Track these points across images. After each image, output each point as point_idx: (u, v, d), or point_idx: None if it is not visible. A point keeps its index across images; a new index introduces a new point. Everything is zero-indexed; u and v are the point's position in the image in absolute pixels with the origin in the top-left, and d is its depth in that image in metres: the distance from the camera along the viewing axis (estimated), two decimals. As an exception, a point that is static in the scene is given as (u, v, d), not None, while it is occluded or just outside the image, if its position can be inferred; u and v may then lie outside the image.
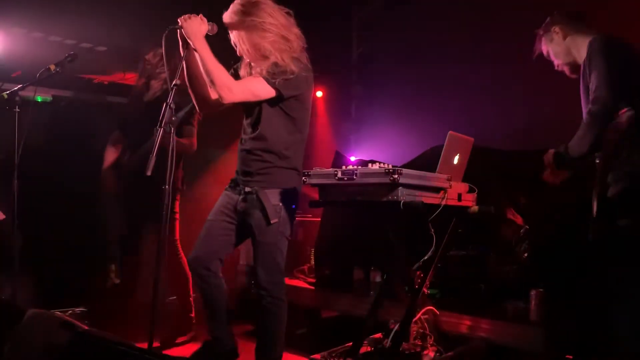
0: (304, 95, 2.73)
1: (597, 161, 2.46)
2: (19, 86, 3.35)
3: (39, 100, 4.64)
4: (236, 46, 2.72)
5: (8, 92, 3.32)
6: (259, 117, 2.69)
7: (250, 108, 2.74)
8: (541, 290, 3.11)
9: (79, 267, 4.73)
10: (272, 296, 2.71)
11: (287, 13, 2.69)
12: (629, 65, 2.46)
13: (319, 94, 6.04)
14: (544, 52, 2.82)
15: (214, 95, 2.72)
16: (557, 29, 2.71)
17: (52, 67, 3.33)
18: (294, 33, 2.70)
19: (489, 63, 4.66)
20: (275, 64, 2.62)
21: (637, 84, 2.44)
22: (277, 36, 2.63)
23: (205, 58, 2.53)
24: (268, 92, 2.61)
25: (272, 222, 2.64)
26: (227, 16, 2.67)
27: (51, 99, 4.76)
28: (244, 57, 2.73)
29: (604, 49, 2.44)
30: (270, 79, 2.60)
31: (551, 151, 2.64)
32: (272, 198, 2.66)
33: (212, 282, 2.77)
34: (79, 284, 4.76)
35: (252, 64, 2.73)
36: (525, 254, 3.58)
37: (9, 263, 3.38)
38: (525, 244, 3.61)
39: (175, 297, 3.90)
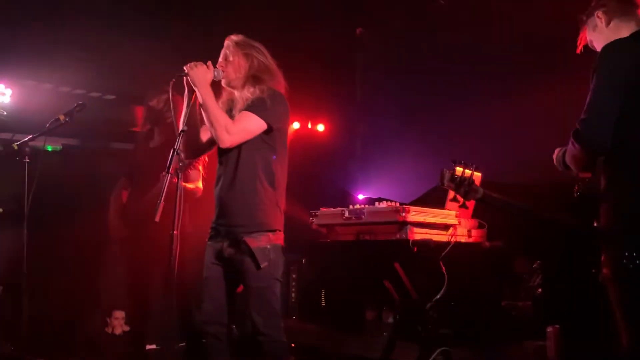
0: (285, 127, 2.73)
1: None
2: (29, 137, 3.41)
3: (49, 149, 4.71)
4: (222, 66, 2.72)
5: (18, 143, 3.37)
6: (240, 154, 2.63)
7: (228, 149, 2.66)
8: (558, 326, 3.04)
9: (88, 315, 4.70)
10: (273, 340, 2.63)
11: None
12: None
13: (321, 127, 6.10)
14: (588, 42, 2.37)
15: (203, 138, 2.74)
16: (600, 13, 2.27)
17: (62, 117, 3.38)
18: (280, 76, 2.76)
19: (494, 97, 4.69)
20: (259, 92, 2.64)
21: None
22: (268, 63, 2.71)
23: (208, 104, 2.56)
24: (260, 126, 2.59)
25: (262, 266, 2.56)
26: (228, 39, 2.75)
27: (61, 148, 4.83)
28: (229, 76, 2.72)
29: (607, 63, 2.08)
30: (258, 110, 2.59)
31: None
32: (259, 241, 2.57)
33: (223, 339, 2.68)
34: (88, 332, 4.72)
35: (235, 92, 2.73)
36: (539, 289, 3.52)
37: (18, 313, 3.37)
38: (539, 278, 3.56)
39: (184, 344, 3.85)
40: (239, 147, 2.62)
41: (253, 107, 2.59)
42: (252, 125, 2.59)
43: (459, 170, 2.35)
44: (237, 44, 2.73)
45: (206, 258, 2.72)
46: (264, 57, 2.72)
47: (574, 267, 3.35)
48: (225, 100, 2.77)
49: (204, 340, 2.73)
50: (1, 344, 3.88)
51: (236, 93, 2.71)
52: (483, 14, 4.84)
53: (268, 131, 2.61)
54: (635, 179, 2.02)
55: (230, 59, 2.71)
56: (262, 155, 2.63)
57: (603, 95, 2.07)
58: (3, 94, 4.00)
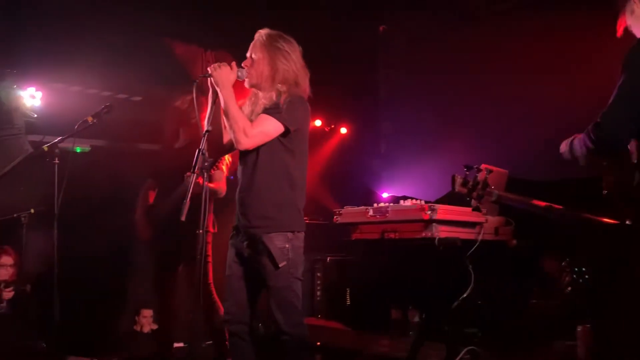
0: (304, 129, 2.72)
1: None
2: (59, 138, 3.47)
3: (78, 150, 4.80)
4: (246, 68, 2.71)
5: (48, 144, 3.44)
6: (258, 156, 2.64)
7: (248, 151, 2.67)
8: (588, 326, 2.98)
9: (116, 313, 4.78)
10: (295, 338, 2.63)
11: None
12: None
13: (344, 130, 6.08)
14: (628, 26, 2.28)
15: (225, 139, 2.75)
16: None
17: (90, 118, 3.44)
18: (306, 75, 2.73)
19: (520, 93, 4.62)
20: (279, 95, 2.63)
21: None
22: (292, 70, 2.66)
23: (229, 105, 2.57)
24: (278, 129, 2.59)
25: (280, 265, 2.55)
26: (258, 35, 2.72)
27: (89, 149, 4.92)
28: (251, 80, 2.71)
29: (635, 64, 2.05)
30: (275, 113, 2.59)
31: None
32: (278, 241, 2.58)
33: (247, 338, 2.70)
34: (117, 330, 4.81)
35: (259, 92, 2.71)
36: (569, 288, 3.45)
37: (49, 311, 3.44)
38: (568, 277, 3.49)
39: (211, 342, 3.88)
40: (258, 149, 2.63)
41: (271, 110, 2.59)
42: (270, 128, 2.59)
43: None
44: (263, 44, 2.68)
45: (228, 257, 2.74)
46: (289, 62, 2.66)
47: (605, 265, 3.28)
48: (250, 98, 2.77)
49: (209, 342, 2.74)
50: (33, 342, 3.97)
51: (260, 93, 2.71)
52: (509, 6, 4.78)
53: (286, 134, 2.61)
54: None
55: (254, 57, 2.69)
56: (281, 157, 2.63)
57: (626, 98, 2.05)
58: (33, 97, 4.09)
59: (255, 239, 2.60)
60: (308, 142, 2.74)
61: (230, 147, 2.75)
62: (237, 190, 2.71)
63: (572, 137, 2.31)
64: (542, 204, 2.46)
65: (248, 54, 2.73)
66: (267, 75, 2.66)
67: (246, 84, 2.72)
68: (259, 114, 2.62)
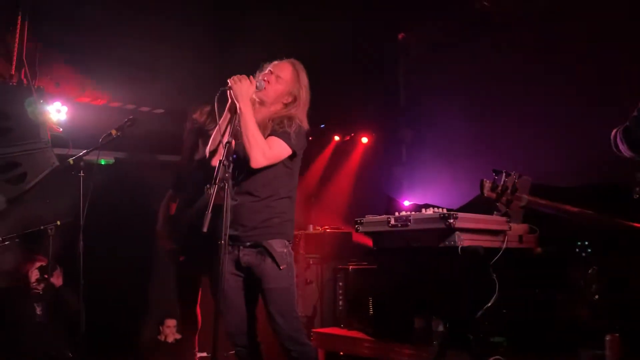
0: (301, 154, 2.87)
1: None
2: (84, 152, 3.54)
3: (103, 163, 4.88)
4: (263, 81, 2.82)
5: (74, 157, 3.51)
6: (261, 172, 2.75)
7: (246, 162, 2.77)
8: (617, 335, 2.91)
9: (141, 323, 4.83)
10: (299, 343, 2.71)
11: None
12: None
13: (365, 140, 6.07)
14: None
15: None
16: None
17: (114, 132, 3.51)
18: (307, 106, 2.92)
19: (541, 99, 4.56)
20: (289, 123, 2.77)
21: None
22: (303, 97, 2.86)
23: (248, 120, 2.65)
24: (287, 152, 2.76)
25: (281, 267, 2.68)
26: (290, 61, 2.91)
27: (114, 161, 5.00)
28: (267, 94, 2.83)
29: None
30: (286, 138, 2.73)
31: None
32: (278, 246, 2.71)
33: (252, 349, 2.80)
34: (141, 340, 4.85)
35: (263, 106, 2.83)
36: (597, 296, 3.37)
37: (76, 320, 3.50)
38: (596, 284, 3.41)
39: (234, 352, 3.89)
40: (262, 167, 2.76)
41: (284, 135, 2.74)
42: (283, 151, 2.76)
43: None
44: (294, 69, 2.86)
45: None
46: (306, 94, 2.87)
47: (634, 273, 3.20)
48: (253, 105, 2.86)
49: (232, 352, 2.81)
50: (60, 351, 4.04)
51: (264, 108, 2.84)
52: (528, 14, 4.73)
53: (292, 157, 2.79)
54: None
55: (281, 75, 2.83)
56: (282, 175, 2.79)
57: None
58: (59, 111, 4.18)
59: (256, 243, 2.72)
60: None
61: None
62: (234, 203, 2.75)
63: (615, 130, 2.25)
64: (574, 209, 2.42)
65: (271, 69, 2.84)
66: (280, 94, 2.83)
67: (255, 95, 2.80)
68: (269, 135, 2.76)
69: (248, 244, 2.73)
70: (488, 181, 2.36)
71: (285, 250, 2.74)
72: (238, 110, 2.66)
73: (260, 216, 2.73)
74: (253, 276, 2.75)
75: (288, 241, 2.78)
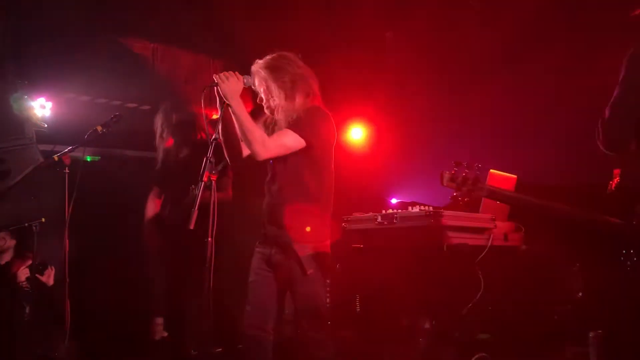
0: (329, 142, 2.79)
1: None
2: (69, 148, 3.50)
3: (88, 159, 4.83)
4: (262, 93, 2.78)
5: (58, 154, 3.47)
6: (286, 168, 2.73)
7: (277, 160, 2.77)
8: (600, 332, 2.95)
9: (127, 321, 4.79)
10: (318, 341, 2.70)
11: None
12: None
13: (352, 136, 6.08)
14: None
15: (245, 152, 2.78)
16: None
17: (99, 128, 3.47)
18: (315, 83, 2.79)
19: (528, 99, 4.60)
20: (298, 110, 2.70)
21: None
22: (298, 78, 2.73)
23: (241, 117, 2.60)
24: (299, 143, 2.67)
25: (308, 272, 2.65)
26: (255, 68, 2.77)
27: (99, 158, 4.96)
28: (269, 107, 2.78)
29: (630, 63, 2.05)
30: (296, 128, 2.66)
31: None
32: (306, 248, 2.67)
33: (264, 344, 2.74)
34: (127, 339, 4.82)
35: (278, 108, 2.76)
36: (580, 293, 3.41)
37: (61, 320, 3.46)
38: (579, 281, 3.45)
39: (221, 349, 3.88)
40: (285, 161, 2.71)
41: (293, 125, 2.67)
42: (289, 141, 2.66)
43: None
44: (267, 70, 2.74)
45: (254, 263, 2.81)
46: (294, 69, 2.73)
47: (616, 269, 3.24)
48: (265, 121, 2.84)
49: (240, 345, 2.78)
50: (46, 350, 4.00)
51: (278, 115, 2.77)
52: (512, 15, 4.76)
53: (309, 148, 2.69)
54: None
55: (265, 86, 2.74)
56: (309, 169, 2.72)
57: (625, 94, 2.05)
58: (43, 107, 4.13)
59: (284, 246, 2.69)
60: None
61: (250, 159, 2.78)
62: (266, 201, 2.79)
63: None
64: (539, 200, 2.45)
65: (258, 88, 2.77)
66: (281, 93, 2.72)
67: (267, 110, 2.79)
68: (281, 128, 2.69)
69: (278, 244, 2.72)
70: (448, 172, 2.39)
71: (313, 253, 2.67)
72: (230, 109, 2.61)
73: (289, 217, 2.70)
74: (282, 274, 2.73)
75: (319, 241, 2.71)
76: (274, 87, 2.73)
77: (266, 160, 2.75)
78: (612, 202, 2.44)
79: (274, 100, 2.75)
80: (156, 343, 4.72)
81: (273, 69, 2.73)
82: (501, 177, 2.97)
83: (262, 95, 2.75)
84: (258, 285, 2.76)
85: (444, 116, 5.37)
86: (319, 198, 2.74)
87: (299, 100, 2.71)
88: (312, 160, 2.72)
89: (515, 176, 3.06)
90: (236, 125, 2.65)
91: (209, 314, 2.61)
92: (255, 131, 2.63)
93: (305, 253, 2.65)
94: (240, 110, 2.60)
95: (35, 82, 4.14)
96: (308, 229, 2.69)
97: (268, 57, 2.79)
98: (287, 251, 2.68)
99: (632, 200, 2.22)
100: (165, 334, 4.64)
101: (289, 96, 2.72)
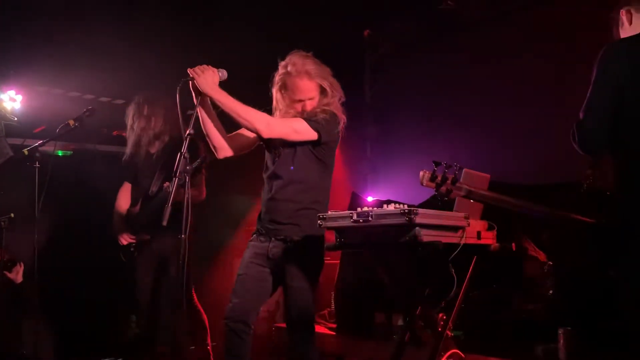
0: (335, 143, 2.83)
1: None
2: (40, 142, 3.44)
3: (60, 154, 4.75)
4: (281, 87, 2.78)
5: (29, 148, 3.41)
6: (291, 163, 2.74)
7: (283, 155, 2.77)
8: (569, 329, 3.01)
9: (99, 317, 4.73)
10: (305, 340, 2.72)
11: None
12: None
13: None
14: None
15: (232, 144, 2.77)
16: (624, 11, 2.20)
17: (71, 122, 3.42)
18: (337, 88, 2.86)
19: (501, 100, 4.66)
20: (316, 109, 2.73)
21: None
22: (325, 84, 2.80)
23: (229, 104, 2.59)
24: (310, 133, 2.68)
25: (307, 267, 2.68)
26: (300, 60, 2.78)
27: (71, 152, 4.87)
28: (285, 97, 2.78)
29: (603, 62, 2.04)
30: (310, 120, 2.68)
31: None
32: (305, 243, 2.69)
33: (245, 338, 2.74)
34: (99, 335, 4.75)
35: (291, 106, 2.79)
36: (551, 291, 3.48)
37: (30, 316, 3.40)
38: (550, 280, 3.52)
39: (194, 347, 3.85)
40: (293, 157, 2.73)
41: (308, 118, 2.70)
42: (300, 127, 2.67)
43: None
44: (315, 66, 2.76)
45: (245, 256, 2.81)
46: (327, 78, 2.80)
47: (586, 267, 3.31)
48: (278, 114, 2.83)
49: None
50: (18, 350, 3.92)
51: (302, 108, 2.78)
52: (493, 14, 4.82)
53: (317, 144, 2.71)
54: (629, 179, 1.99)
55: (306, 80, 2.74)
56: (315, 165, 2.75)
57: (598, 95, 2.06)
58: (14, 100, 4.04)
59: (284, 239, 2.71)
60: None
61: (239, 149, 2.81)
62: (266, 197, 2.79)
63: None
64: (515, 200, 2.49)
65: (289, 80, 2.77)
66: (300, 94, 2.76)
67: (281, 104, 2.80)
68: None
69: (279, 237, 2.73)
70: (427, 172, 2.42)
71: (312, 248, 2.70)
72: (218, 102, 2.58)
73: (291, 211, 2.71)
74: (277, 268, 2.74)
75: (316, 237, 2.72)
76: (317, 83, 2.74)
77: (266, 151, 2.77)
78: (584, 201, 2.49)
79: (307, 94, 2.74)
80: (128, 341, 4.67)
81: (321, 66, 2.78)
82: (475, 176, 2.99)
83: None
84: (247, 278, 2.75)
85: (420, 114, 5.41)
86: (320, 196, 2.78)
87: (333, 101, 2.78)
88: (318, 158, 2.76)
89: (488, 175, 3.09)
90: (232, 116, 2.61)
91: (183, 312, 2.59)
92: (251, 110, 2.62)
93: (304, 247, 2.69)
94: (225, 99, 2.59)
95: (5, 74, 4.05)
96: (308, 226, 2.70)
97: (308, 54, 2.80)
98: (286, 244, 2.70)
99: (602, 200, 2.27)
100: (137, 331, 4.60)
101: (328, 95, 2.78)
